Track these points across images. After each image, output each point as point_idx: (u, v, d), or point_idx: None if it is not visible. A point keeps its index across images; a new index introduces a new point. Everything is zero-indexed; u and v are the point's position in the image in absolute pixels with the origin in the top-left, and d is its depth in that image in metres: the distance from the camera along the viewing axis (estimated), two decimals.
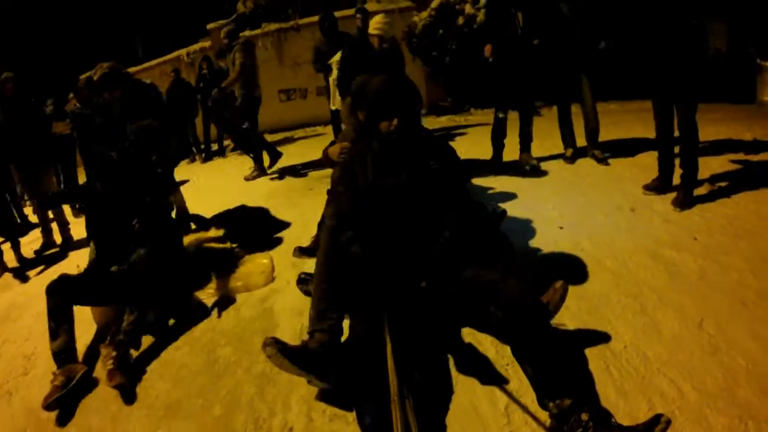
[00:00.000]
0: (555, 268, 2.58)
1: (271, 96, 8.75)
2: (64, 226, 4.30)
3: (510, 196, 3.61)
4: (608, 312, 2.19)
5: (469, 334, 2.16)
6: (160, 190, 2.99)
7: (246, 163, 5.68)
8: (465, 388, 1.92)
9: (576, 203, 3.36)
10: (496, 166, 4.30)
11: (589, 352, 1.97)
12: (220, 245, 3.48)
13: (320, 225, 2.82)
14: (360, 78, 2.72)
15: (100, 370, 2.34)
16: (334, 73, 5.07)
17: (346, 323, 2.08)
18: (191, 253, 3.32)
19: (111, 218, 2.73)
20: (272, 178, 5.22)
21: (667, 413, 1.53)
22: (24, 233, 4.43)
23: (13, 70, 4.16)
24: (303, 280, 2.64)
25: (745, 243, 2.51)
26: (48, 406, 2.12)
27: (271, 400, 2.03)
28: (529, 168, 4.16)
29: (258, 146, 5.34)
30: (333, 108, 5.36)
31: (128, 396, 2.21)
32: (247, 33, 8.49)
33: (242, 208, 4.23)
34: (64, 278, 2.47)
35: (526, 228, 3.08)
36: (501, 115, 4.23)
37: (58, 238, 4.34)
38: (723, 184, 3.26)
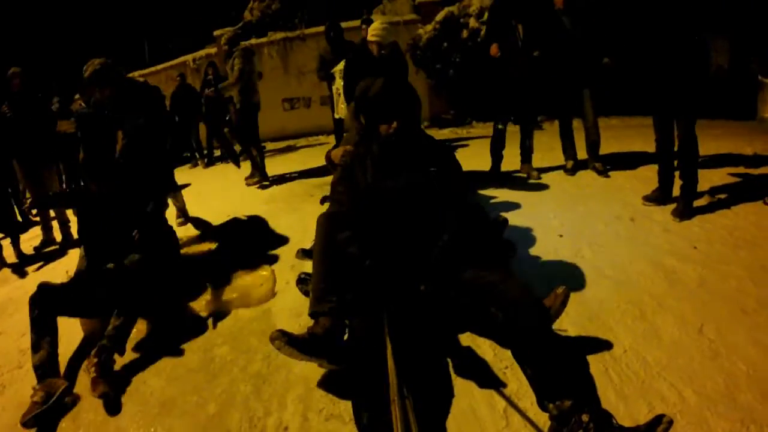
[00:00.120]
0: (555, 274, 2.58)
1: (275, 104, 8.84)
2: (64, 224, 4.30)
3: (510, 206, 3.62)
4: (608, 317, 2.18)
5: (467, 338, 2.15)
6: (156, 191, 2.92)
7: (248, 169, 5.71)
8: (463, 391, 1.90)
9: (576, 213, 3.37)
10: (494, 176, 4.32)
11: (589, 357, 1.96)
12: (215, 248, 3.42)
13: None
14: (363, 83, 2.75)
15: (86, 382, 2.22)
16: (338, 81, 5.13)
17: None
18: (186, 260, 3.21)
19: (105, 221, 2.64)
20: (261, 186, 5.21)
21: None
22: (24, 230, 4.43)
23: (21, 68, 4.20)
24: (302, 280, 2.62)
25: (745, 252, 2.52)
26: (26, 423, 1.99)
27: (266, 399, 2.01)
28: (529, 179, 4.18)
29: (229, 149, 5.37)
30: (337, 116, 5.41)
31: (113, 406, 2.10)
32: (253, 41, 8.60)
33: (242, 213, 4.24)
34: (47, 288, 2.35)
35: (526, 236, 3.08)
36: (500, 127, 4.26)
37: (58, 235, 4.34)
38: (723, 196, 3.28)
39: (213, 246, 3.51)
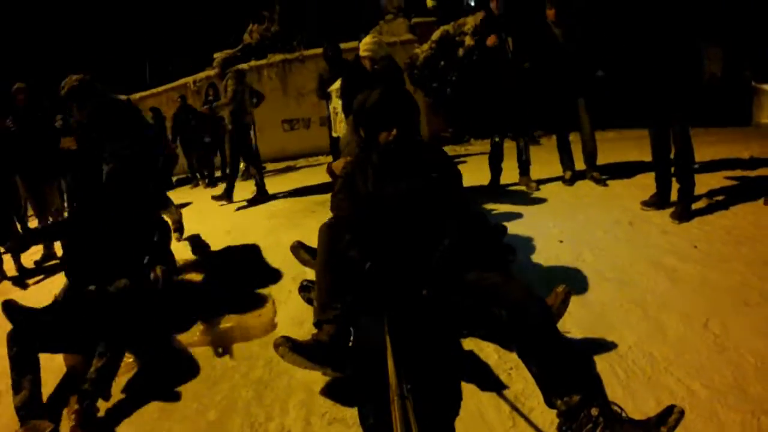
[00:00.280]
0: (557, 278, 2.57)
1: (274, 125, 8.96)
2: None
3: (510, 216, 3.63)
4: (611, 317, 2.17)
5: (471, 341, 2.14)
6: (147, 214, 2.76)
7: (249, 187, 5.74)
8: (469, 393, 1.88)
9: (575, 220, 3.38)
10: (494, 189, 4.34)
11: (594, 355, 1.94)
12: (211, 272, 3.24)
13: None
14: (361, 95, 2.79)
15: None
16: (334, 100, 5.21)
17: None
18: (178, 286, 2.97)
19: (90, 245, 2.50)
20: (239, 208, 5.22)
21: None
22: (24, 249, 4.41)
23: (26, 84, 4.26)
24: (305, 288, 2.61)
25: (746, 249, 2.52)
26: None
27: (268, 404, 1.98)
28: (528, 190, 4.21)
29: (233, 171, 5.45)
30: (334, 135, 5.45)
31: None
32: (252, 63, 8.79)
33: (243, 230, 4.23)
34: (25, 324, 2.15)
35: (527, 243, 3.09)
36: (497, 139, 4.30)
37: (59, 250, 4.32)
38: (720, 198, 3.30)
39: (208, 270, 3.32)
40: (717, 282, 2.28)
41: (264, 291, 2.87)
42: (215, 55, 5.66)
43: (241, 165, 6.19)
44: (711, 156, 4.24)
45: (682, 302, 2.17)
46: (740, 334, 1.89)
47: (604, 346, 1.99)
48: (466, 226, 2.08)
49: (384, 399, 1.66)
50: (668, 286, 2.33)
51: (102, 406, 2.09)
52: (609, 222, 3.23)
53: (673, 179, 3.22)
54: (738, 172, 3.75)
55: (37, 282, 3.85)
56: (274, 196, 5.41)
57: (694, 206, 3.15)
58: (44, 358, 2.20)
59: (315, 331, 1.99)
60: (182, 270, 3.29)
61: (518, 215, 3.63)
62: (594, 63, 4.05)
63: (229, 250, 3.70)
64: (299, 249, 2.74)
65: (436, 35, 7.62)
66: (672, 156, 3.22)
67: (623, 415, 1.52)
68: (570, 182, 4.27)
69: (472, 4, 10.57)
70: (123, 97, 3.58)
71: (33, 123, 4.18)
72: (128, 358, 2.35)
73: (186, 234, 4.13)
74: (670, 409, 1.44)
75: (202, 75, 9.02)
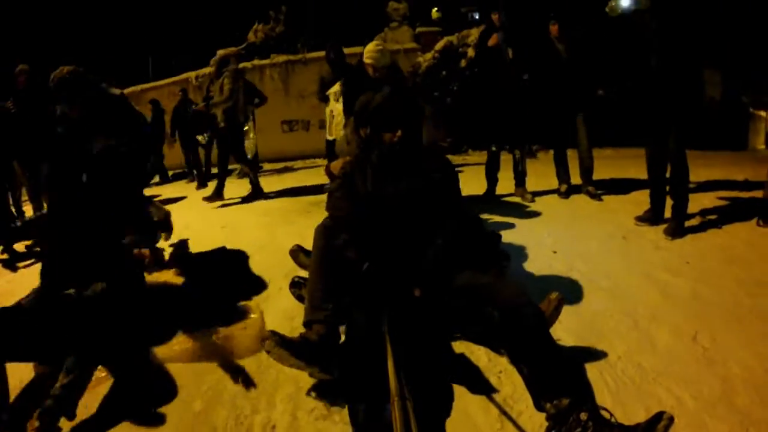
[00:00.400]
0: (550, 287, 2.57)
1: (274, 126, 8.95)
2: None
3: (505, 226, 3.64)
4: (602, 327, 2.17)
5: (461, 344, 2.13)
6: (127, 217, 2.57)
7: (245, 185, 5.72)
8: (458, 395, 1.88)
9: (570, 232, 3.40)
10: (489, 199, 4.36)
11: (585, 362, 1.94)
12: (197, 275, 3.02)
13: None
14: (363, 97, 2.81)
15: None
16: (332, 103, 5.22)
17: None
18: (156, 292, 2.73)
19: (67, 242, 2.34)
20: (234, 203, 5.21)
21: None
22: (15, 239, 4.35)
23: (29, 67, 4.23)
24: (296, 284, 2.59)
25: (738, 267, 2.54)
26: None
27: (254, 397, 1.96)
28: (524, 201, 4.23)
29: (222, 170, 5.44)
30: (329, 138, 5.46)
31: None
32: (255, 62, 8.80)
33: (238, 225, 4.22)
34: None
35: (520, 253, 3.09)
36: (494, 149, 4.33)
37: None
38: (714, 217, 3.34)
39: (194, 272, 3.09)
40: (708, 297, 2.29)
41: (251, 303, 2.66)
42: (218, 52, 5.64)
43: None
44: (706, 177, 4.30)
45: (672, 315, 2.18)
46: (729, 347, 1.90)
47: (594, 354, 1.99)
48: (462, 227, 2.09)
49: (376, 398, 1.65)
50: (659, 299, 2.34)
51: (66, 425, 1.90)
52: (603, 235, 3.25)
53: (668, 197, 3.26)
54: (732, 193, 3.80)
55: (27, 266, 3.80)
56: (271, 195, 5.40)
57: (688, 224, 3.18)
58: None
59: (303, 330, 1.97)
60: (167, 267, 3.07)
61: (513, 225, 3.64)
62: (595, 81, 4.10)
63: (219, 250, 3.53)
64: (298, 252, 2.71)
65: (439, 45, 7.70)
66: (667, 174, 3.26)
67: (612, 420, 1.52)
68: (565, 195, 4.29)
69: (477, 17, 10.71)
70: (117, 91, 3.34)
71: (33, 106, 4.13)
72: (101, 372, 2.17)
73: (179, 237, 4.00)
74: (659, 415, 1.44)
75: (204, 71, 8.90)
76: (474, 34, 7.33)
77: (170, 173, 8.58)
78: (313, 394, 1.93)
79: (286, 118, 9.15)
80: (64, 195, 2.48)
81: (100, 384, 2.14)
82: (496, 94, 4.11)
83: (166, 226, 3.54)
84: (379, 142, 2.06)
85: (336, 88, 5.11)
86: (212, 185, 5.83)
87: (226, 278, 3.08)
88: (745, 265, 2.57)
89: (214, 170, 7.64)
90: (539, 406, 1.61)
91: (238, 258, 3.35)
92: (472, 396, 1.86)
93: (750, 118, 6.10)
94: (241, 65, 8.59)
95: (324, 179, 4.77)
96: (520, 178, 4.38)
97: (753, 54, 5.81)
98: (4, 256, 3.88)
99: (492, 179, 4.43)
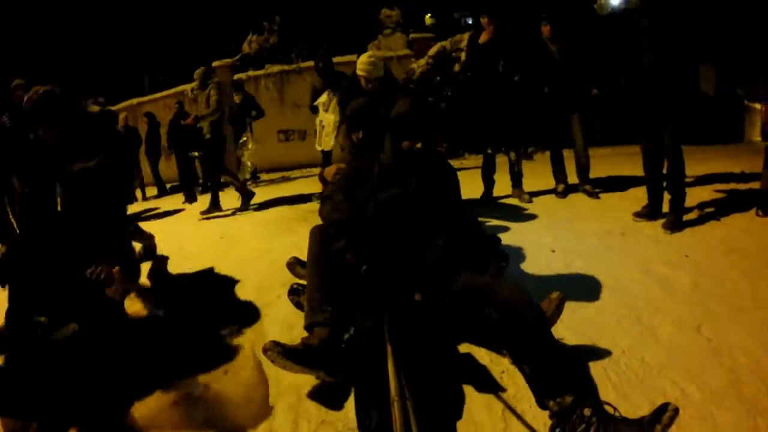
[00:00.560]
0: (549, 285, 2.56)
1: (270, 136, 8.97)
2: None
3: (503, 227, 3.63)
4: (604, 322, 2.15)
5: (463, 345, 2.11)
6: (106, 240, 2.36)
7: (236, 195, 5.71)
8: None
9: (568, 230, 3.39)
10: (486, 201, 4.35)
11: (587, 359, 1.92)
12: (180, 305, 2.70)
13: None
14: (354, 102, 2.83)
15: None
16: (321, 113, 5.22)
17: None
18: (135, 329, 2.45)
19: (39, 279, 2.13)
20: (233, 213, 5.20)
21: None
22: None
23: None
24: (294, 291, 2.57)
25: (738, 258, 2.53)
26: None
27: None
28: (521, 202, 4.22)
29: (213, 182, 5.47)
30: (318, 148, 5.45)
31: None
32: (251, 73, 8.83)
33: (234, 235, 4.20)
34: None
35: (519, 252, 3.08)
36: (489, 151, 4.33)
37: None
38: (712, 209, 3.33)
39: (181, 299, 2.84)
40: (709, 289, 2.28)
41: (241, 338, 2.37)
42: (214, 64, 5.68)
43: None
44: (703, 171, 4.29)
45: (674, 308, 2.16)
46: (733, 338, 1.88)
47: (598, 350, 1.97)
48: (462, 228, 2.08)
49: (385, 402, 1.63)
50: (660, 292, 2.33)
51: None
52: (601, 232, 3.24)
53: (665, 192, 3.25)
54: (730, 185, 3.80)
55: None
56: (268, 205, 5.39)
57: (686, 217, 3.17)
58: None
59: (305, 335, 1.95)
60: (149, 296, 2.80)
61: (510, 226, 3.63)
62: (589, 80, 4.10)
63: (210, 272, 3.27)
64: (295, 265, 2.70)
65: (433, 50, 7.65)
66: (664, 170, 3.25)
67: (616, 414, 1.50)
68: (563, 194, 4.29)
69: (470, 21, 10.79)
70: (95, 108, 3.11)
71: (28, 121, 4.12)
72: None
73: (179, 248, 3.89)
74: (664, 406, 1.41)
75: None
76: (466, 38, 7.37)
77: (168, 186, 8.59)
78: (313, 400, 1.90)
79: (282, 128, 9.18)
80: (37, 219, 2.37)
81: None
82: (488, 97, 4.11)
83: (149, 256, 3.42)
84: (397, 146, 2.08)
85: (324, 98, 5.12)
86: (201, 198, 5.82)
87: (211, 304, 2.80)
88: (745, 255, 2.55)
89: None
90: (542, 404, 1.59)
91: (225, 278, 3.12)
92: (476, 396, 1.84)
93: (745, 110, 6.12)
94: (236, 76, 8.72)
95: (319, 188, 4.78)
96: (516, 179, 4.38)
97: (746, 48, 5.83)
98: None
99: (489, 182, 4.42)
